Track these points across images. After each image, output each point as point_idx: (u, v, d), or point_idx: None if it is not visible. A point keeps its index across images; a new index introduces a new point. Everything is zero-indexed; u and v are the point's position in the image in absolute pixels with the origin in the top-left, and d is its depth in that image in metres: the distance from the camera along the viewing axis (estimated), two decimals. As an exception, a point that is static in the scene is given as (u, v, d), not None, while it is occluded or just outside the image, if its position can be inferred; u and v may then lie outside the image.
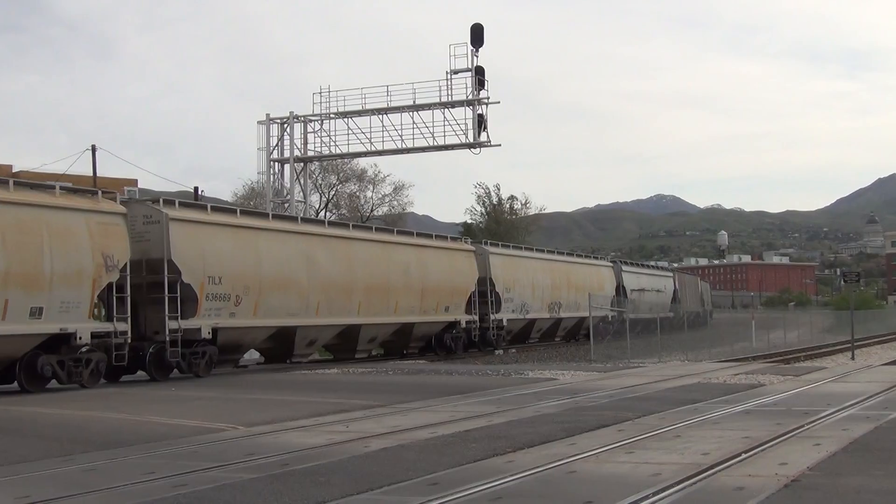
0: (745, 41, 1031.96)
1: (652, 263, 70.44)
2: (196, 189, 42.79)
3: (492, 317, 36.92)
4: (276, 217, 28.33)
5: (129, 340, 21.26)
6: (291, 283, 26.37)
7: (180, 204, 23.83)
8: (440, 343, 34.12)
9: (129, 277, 21.25)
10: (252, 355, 30.09)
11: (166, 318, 22.08)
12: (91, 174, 39.74)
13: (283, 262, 26.19)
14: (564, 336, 47.12)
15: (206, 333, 23.29)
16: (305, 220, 29.78)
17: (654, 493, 7.83)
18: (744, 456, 9.69)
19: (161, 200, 23.29)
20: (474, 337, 35.67)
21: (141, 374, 22.83)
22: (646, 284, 56.18)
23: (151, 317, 22.42)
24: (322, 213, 60.08)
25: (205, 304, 23.21)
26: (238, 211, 26.81)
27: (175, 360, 22.43)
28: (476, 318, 35.78)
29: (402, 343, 33.30)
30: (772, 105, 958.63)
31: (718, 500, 7.79)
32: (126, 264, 21.22)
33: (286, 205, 41.11)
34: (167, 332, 22.12)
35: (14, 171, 43.54)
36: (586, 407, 15.07)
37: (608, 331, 47.28)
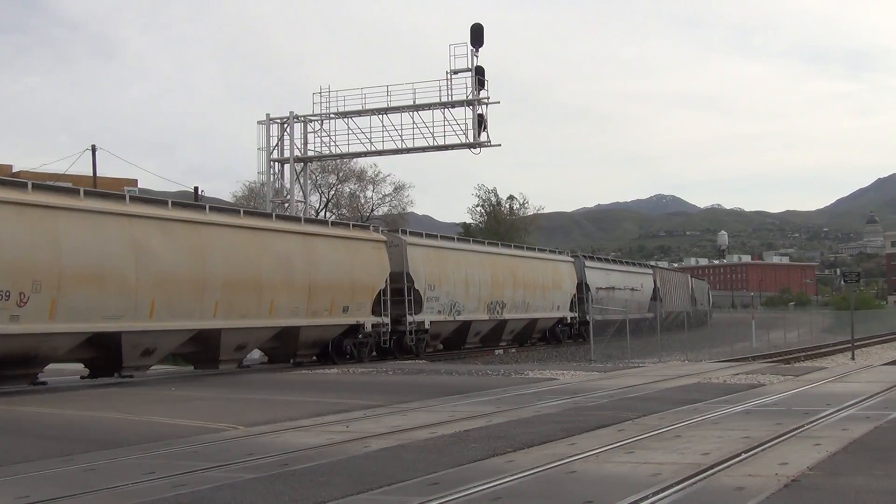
0: (746, 41, 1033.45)
1: (627, 260, 64.05)
2: (196, 189, 42.84)
3: (409, 318, 31.35)
4: (90, 194, 21.75)
5: None
6: (110, 278, 20.91)
7: None
8: (339, 350, 28.66)
9: None
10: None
11: None
12: (91, 174, 39.76)
13: (95, 251, 20.67)
14: (512, 340, 41.14)
15: None
16: (136, 200, 23.10)
17: (654, 493, 7.83)
18: (744, 456, 9.69)
19: None
20: (384, 343, 30.09)
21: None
22: (617, 282, 51.04)
23: None
24: (322, 213, 60.14)
25: None
26: (29, 185, 20.30)
27: None
28: (387, 320, 30.04)
29: (287, 350, 27.49)
30: (772, 105, 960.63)
31: (718, 500, 7.79)
32: None
33: (286, 205, 41.10)
34: None
35: (14, 171, 43.59)
36: (586, 407, 15.07)
37: (566, 333, 43.99)
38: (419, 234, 35.11)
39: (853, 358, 34.29)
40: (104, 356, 21.84)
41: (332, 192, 64.05)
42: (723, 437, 11.13)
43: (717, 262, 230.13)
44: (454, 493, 7.97)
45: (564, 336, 44.17)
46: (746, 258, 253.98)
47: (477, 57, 38.32)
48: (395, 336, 30.90)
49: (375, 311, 29.74)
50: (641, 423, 12.78)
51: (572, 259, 46.85)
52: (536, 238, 78.35)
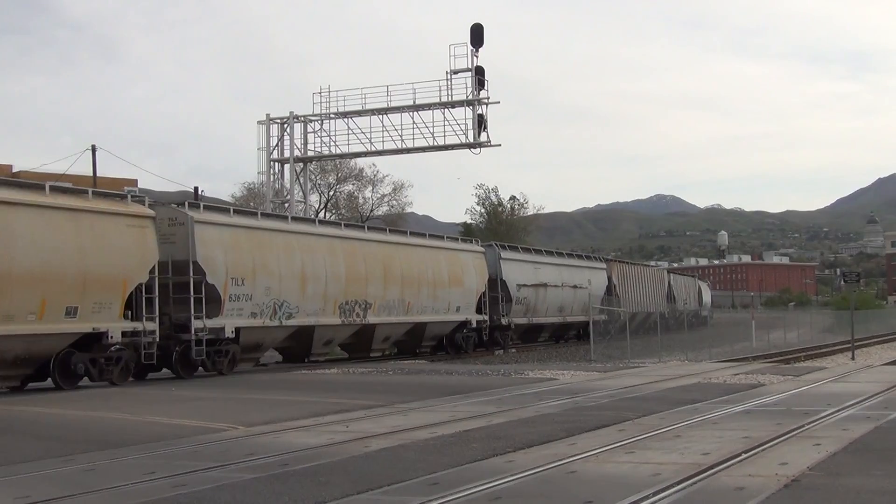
0: (746, 42, 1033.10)
1: (571, 252, 52.94)
2: (196, 189, 42.85)
3: (197, 324, 23.08)
4: None
5: None
6: None
7: None
8: (66, 370, 20.27)
9: None
10: None
11: None
12: (91, 174, 39.76)
13: None
14: (390, 348, 33.78)
15: None
16: None
17: (655, 493, 7.83)
18: (744, 456, 9.69)
19: None
20: (144, 357, 21.80)
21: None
22: (550, 278, 41.96)
23: None
24: (322, 213, 60.15)
25: None
26: None
27: None
28: (153, 326, 21.93)
29: None
30: (773, 106, 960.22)
31: (718, 500, 7.79)
32: None
33: (286, 205, 41.12)
34: None
35: (14, 171, 43.62)
36: (586, 407, 15.07)
37: (471, 341, 35.60)
38: (223, 210, 26.32)
39: (853, 358, 34.30)
40: None
41: (332, 193, 64.11)
42: (723, 437, 11.13)
43: (717, 262, 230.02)
44: (454, 493, 7.97)
45: (469, 344, 35.59)
46: (746, 258, 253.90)
47: (477, 57, 38.50)
48: (181, 347, 23.22)
49: (132, 314, 21.77)
50: (641, 423, 12.78)
51: (482, 249, 37.45)
52: (536, 238, 78.31)
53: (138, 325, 21.67)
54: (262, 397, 17.82)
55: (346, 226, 32.36)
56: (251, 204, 53.44)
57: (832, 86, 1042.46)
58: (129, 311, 21.57)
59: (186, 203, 24.27)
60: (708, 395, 16.50)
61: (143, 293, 21.81)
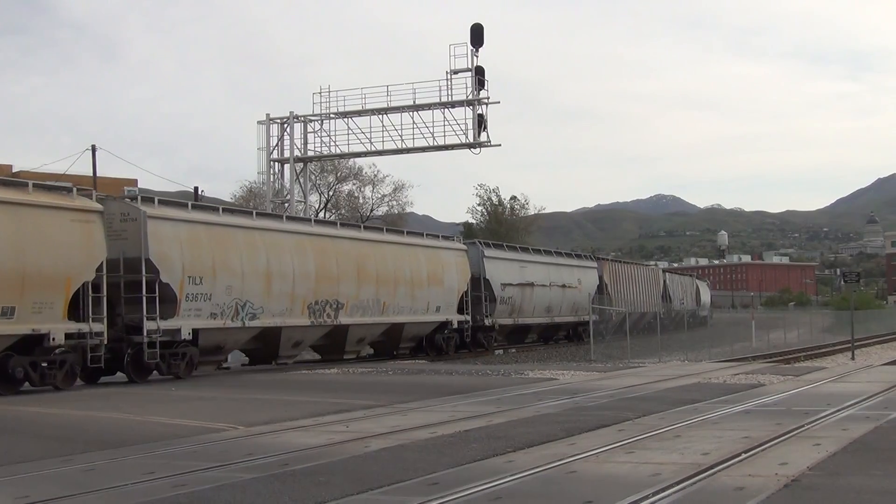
0: (747, 43, 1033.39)
1: (559, 251, 50.05)
2: (196, 189, 42.89)
3: (150, 325, 21.79)
4: None
5: None
6: None
7: None
8: (2, 373, 19.15)
9: None
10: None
11: None
12: (91, 174, 39.78)
13: None
14: (365, 349, 33.00)
15: None
16: None
17: (654, 493, 7.83)
18: (744, 456, 9.69)
19: None
20: (91, 360, 20.53)
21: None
22: (537, 277, 40.75)
23: None
24: (322, 213, 60.16)
25: None
26: None
27: None
28: (100, 328, 20.51)
29: None
30: (773, 106, 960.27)
31: (718, 500, 7.79)
32: None
33: (286, 205, 41.12)
34: None
35: (14, 170, 43.64)
36: (586, 407, 15.08)
37: (452, 342, 34.34)
38: (180, 205, 24.47)
39: (853, 358, 34.31)
40: None
41: (332, 193, 64.12)
42: (723, 437, 11.13)
43: (717, 262, 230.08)
44: (454, 493, 7.98)
45: (450, 346, 34.38)
46: (746, 258, 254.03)
47: (477, 57, 38.47)
48: (133, 349, 21.90)
49: (79, 315, 20.31)
50: (641, 423, 12.78)
51: (464, 247, 36.21)
52: (537, 238, 78.31)
53: (84, 327, 20.23)
54: (262, 397, 17.82)
55: (317, 222, 31.39)
56: (251, 204, 53.48)
57: (832, 86, 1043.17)
58: (77, 312, 20.26)
59: (139, 197, 23.24)
60: (707, 395, 16.50)
61: (90, 292, 20.36)
